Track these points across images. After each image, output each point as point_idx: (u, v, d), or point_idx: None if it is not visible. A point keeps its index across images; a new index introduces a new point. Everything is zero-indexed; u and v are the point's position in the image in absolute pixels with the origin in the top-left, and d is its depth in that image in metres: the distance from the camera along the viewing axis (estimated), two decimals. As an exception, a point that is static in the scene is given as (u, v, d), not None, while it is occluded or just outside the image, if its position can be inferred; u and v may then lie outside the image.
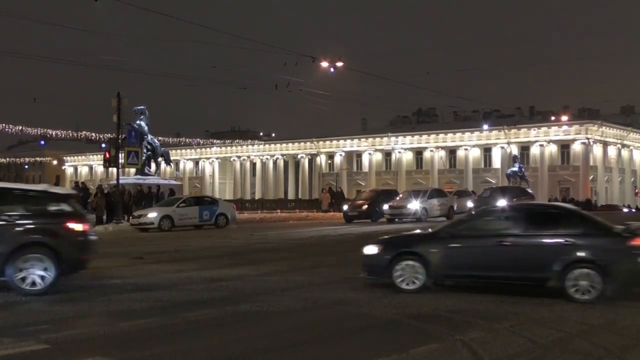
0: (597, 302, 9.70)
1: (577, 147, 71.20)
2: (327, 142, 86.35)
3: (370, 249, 11.31)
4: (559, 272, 10.07)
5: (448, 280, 10.90)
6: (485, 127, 73.04)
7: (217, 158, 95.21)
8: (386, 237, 12.42)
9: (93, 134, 58.10)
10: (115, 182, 34.06)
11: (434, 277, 10.76)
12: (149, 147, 40.69)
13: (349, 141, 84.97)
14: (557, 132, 71.73)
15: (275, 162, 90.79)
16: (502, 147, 73.96)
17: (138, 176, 39.52)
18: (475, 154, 76.92)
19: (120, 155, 31.17)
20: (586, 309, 9.08)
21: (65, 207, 11.10)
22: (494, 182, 67.79)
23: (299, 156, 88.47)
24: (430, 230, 12.06)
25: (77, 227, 10.98)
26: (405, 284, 10.73)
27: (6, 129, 47.76)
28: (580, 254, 10.18)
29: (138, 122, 39.46)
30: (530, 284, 10.50)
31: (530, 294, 10.21)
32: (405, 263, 10.81)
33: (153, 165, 42.76)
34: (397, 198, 33.67)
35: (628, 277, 10.11)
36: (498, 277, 10.63)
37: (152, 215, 27.30)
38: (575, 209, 12.17)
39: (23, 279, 10.30)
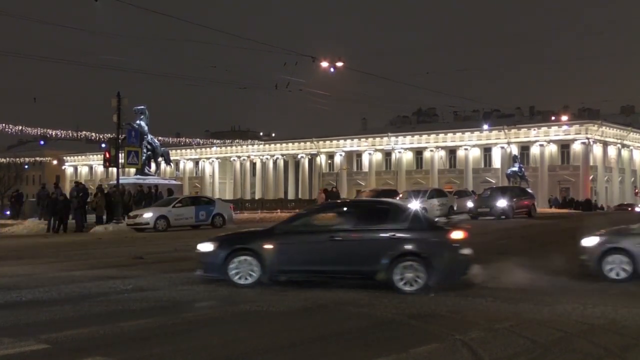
0: (420, 293, 10.25)
1: (577, 147, 71.21)
2: (327, 142, 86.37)
3: (206, 246, 11.44)
4: (386, 265, 10.57)
5: (282, 275, 11.13)
6: (485, 127, 73.04)
7: (217, 158, 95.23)
8: (222, 234, 12.59)
9: (93, 134, 58.04)
10: (115, 182, 34.05)
11: (269, 273, 11.02)
12: (149, 147, 40.64)
13: (349, 141, 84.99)
14: (557, 132, 71.75)
15: (275, 162, 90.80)
16: (502, 147, 73.98)
17: (138, 176, 39.47)
18: (475, 154, 76.93)
19: (120, 155, 31.14)
20: (586, 309, 9.07)
21: None
22: (494, 182, 67.79)
23: (299, 156, 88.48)
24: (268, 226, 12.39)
25: None
26: (240, 279, 10.99)
27: (6, 129, 47.71)
28: (406, 247, 10.74)
29: (138, 122, 39.40)
30: (360, 278, 10.96)
31: (530, 294, 10.20)
32: (240, 259, 11.03)
33: (153, 165, 42.71)
34: (397, 198, 33.64)
35: (449, 268, 10.78)
36: (330, 271, 11.02)
37: (148, 215, 27.20)
38: (402, 205, 12.84)
39: None
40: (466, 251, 10.93)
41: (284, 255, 11.06)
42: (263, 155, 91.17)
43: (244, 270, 11.02)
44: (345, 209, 12.27)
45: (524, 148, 73.54)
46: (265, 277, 10.99)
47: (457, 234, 10.98)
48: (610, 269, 12.18)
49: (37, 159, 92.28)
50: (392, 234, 10.84)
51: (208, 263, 11.33)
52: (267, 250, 11.06)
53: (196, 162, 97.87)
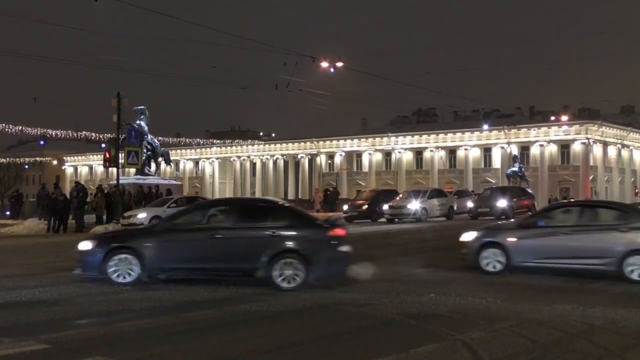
0: (300, 289, 10.45)
1: (577, 147, 71.16)
2: (327, 142, 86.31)
3: (85, 245, 11.47)
4: (266, 263, 10.73)
5: (162, 274, 11.18)
6: (485, 127, 72.97)
7: (217, 158, 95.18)
8: (101, 233, 12.63)
9: (93, 134, 58.02)
10: (115, 182, 34.04)
11: (148, 271, 11.07)
12: (149, 147, 40.64)
13: (349, 141, 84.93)
14: (557, 132, 71.69)
15: (275, 162, 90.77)
16: (502, 147, 73.92)
17: (138, 176, 39.48)
18: (475, 154, 76.88)
19: (120, 155, 31.13)
20: (586, 309, 9.07)
21: None
22: (494, 182, 67.73)
23: (299, 156, 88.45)
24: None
25: None
26: (119, 277, 11.01)
27: (6, 129, 47.66)
28: (286, 244, 10.94)
29: (138, 122, 39.40)
30: (241, 275, 11.08)
31: (530, 294, 10.20)
32: (120, 257, 11.06)
33: (153, 165, 42.72)
34: (397, 198, 33.68)
35: (328, 265, 11.00)
36: (210, 269, 11.12)
37: (142, 215, 27.07)
38: (282, 203, 13.15)
39: None
40: (345, 248, 11.17)
41: (164, 253, 11.12)
42: (263, 155, 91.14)
43: (123, 269, 11.05)
44: (226, 207, 12.47)
45: (524, 148, 73.48)
46: (145, 276, 11.05)
47: (337, 232, 11.22)
48: (487, 262, 13.08)
49: (37, 159, 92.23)
50: (272, 231, 11.05)
51: (86, 262, 11.32)
52: (147, 248, 11.10)
53: (196, 162, 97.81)
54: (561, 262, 12.64)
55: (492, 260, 13.03)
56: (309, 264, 10.77)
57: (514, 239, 13.04)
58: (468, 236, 13.72)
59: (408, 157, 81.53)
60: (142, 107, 41.00)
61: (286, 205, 12.86)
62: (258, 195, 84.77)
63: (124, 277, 11.03)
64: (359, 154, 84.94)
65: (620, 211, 13.39)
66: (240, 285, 11.12)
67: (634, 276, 12.11)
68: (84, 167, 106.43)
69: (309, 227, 11.29)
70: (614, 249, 12.29)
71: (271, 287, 10.65)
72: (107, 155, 31.79)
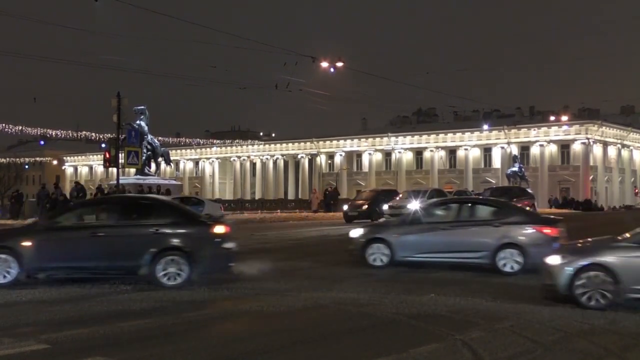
0: (184, 286, 10.52)
1: (577, 147, 71.19)
2: (327, 142, 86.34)
3: None
4: (149, 260, 10.72)
5: (42, 273, 11.13)
6: (485, 127, 72.99)
7: (217, 158, 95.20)
8: None
9: (93, 134, 58.07)
10: (115, 182, 34.04)
11: (27, 270, 10.99)
12: (149, 147, 40.66)
13: (349, 141, 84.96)
14: (557, 132, 71.71)
15: (275, 162, 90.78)
16: (502, 147, 73.95)
17: (138, 176, 39.50)
18: (475, 154, 76.91)
19: (120, 155, 31.14)
20: (586, 309, 9.06)
21: None
22: (494, 182, 67.75)
23: (299, 156, 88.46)
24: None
25: None
26: None
27: (6, 129, 47.72)
28: (169, 242, 10.94)
29: (138, 122, 39.42)
30: (122, 273, 11.04)
31: (530, 294, 10.19)
32: None
33: (153, 165, 42.74)
34: (397, 198, 33.65)
35: (212, 262, 11.08)
36: (92, 267, 11.08)
37: None
38: (166, 200, 13.21)
39: None
40: (229, 245, 11.25)
41: (43, 252, 11.01)
42: (263, 155, 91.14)
43: (0, 269, 10.90)
44: (109, 205, 12.43)
45: (524, 148, 73.51)
46: (23, 275, 10.98)
47: (220, 229, 11.28)
48: (373, 257, 13.62)
49: (37, 159, 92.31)
50: (156, 229, 11.02)
51: None
52: (25, 247, 11.00)
53: (196, 162, 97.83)
54: (441, 256, 13.29)
55: (377, 255, 13.60)
56: (192, 261, 10.81)
57: (398, 235, 13.65)
58: (355, 233, 14.32)
59: (408, 157, 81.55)
60: (142, 107, 41.02)
61: (170, 202, 12.91)
62: (258, 196, 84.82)
63: (3, 277, 10.87)
64: (359, 154, 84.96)
65: (495, 207, 14.11)
66: (240, 286, 11.12)
67: (507, 269, 12.75)
68: (84, 167, 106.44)
69: (192, 225, 11.33)
70: (487, 243, 12.95)
71: (156, 285, 10.67)
72: (107, 155, 31.80)
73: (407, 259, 13.44)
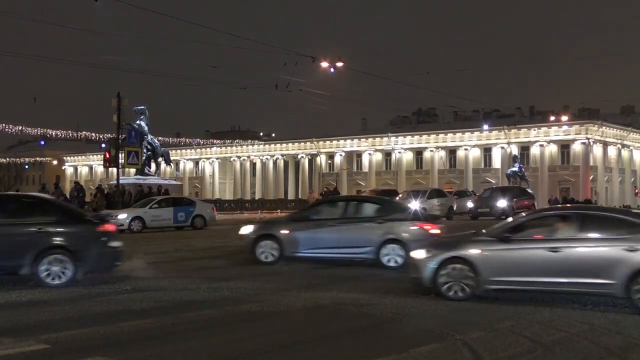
0: (68, 286, 10.49)
1: (577, 147, 71.18)
2: (327, 142, 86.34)
3: None
4: (31, 260, 10.59)
5: None
6: (485, 127, 72.97)
7: (217, 158, 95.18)
8: None
9: (93, 134, 58.09)
10: (115, 182, 34.04)
11: None
12: (149, 147, 40.67)
13: (349, 141, 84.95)
14: (557, 132, 71.70)
15: (275, 162, 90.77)
16: (502, 147, 73.94)
17: (138, 176, 39.50)
18: (475, 154, 76.90)
19: (120, 155, 31.17)
20: (586, 309, 9.06)
21: None
22: (494, 182, 67.75)
23: (299, 156, 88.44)
24: None
25: None
26: None
27: (6, 129, 47.74)
28: (53, 241, 10.81)
29: (138, 122, 39.43)
30: (4, 273, 10.90)
31: (529, 295, 10.20)
32: None
33: (153, 165, 42.74)
34: (397, 198, 33.64)
35: (97, 261, 11.03)
36: None
37: (122, 216, 26.44)
38: (49, 198, 13.04)
39: None
40: (115, 243, 11.21)
41: None
42: (263, 156, 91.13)
43: None
44: None
45: (524, 148, 73.51)
46: None
47: (106, 227, 11.25)
48: (263, 254, 14.03)
49: (37, 159, 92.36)
50: (39, 227, 10.87)
51: None
52: None
53: (196, 162, 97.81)
54: (328, 252, 13.79)
55: (267, 252, 14.03)
56: (77, 259, 10.75)
57: (287, 231, 14.09)
58: (245, 229, 14.71)
59: (408, 157, 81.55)
60: (142, 107, 41.02)
61: (55, 201, 12.80)
62: (258, 196, 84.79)
63: None
64: (359, 154, 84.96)
65: (379, 204, 14.73)
66: (240, 286, 11.11)
67: (391, 263, 13.29)
68: (84, 167, 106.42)
69: (78, 223, 11.27)
70: (372, 239, 13.46)
71: (40, 284, 10.62)
72: (107, 156, 31.83)
73: (296, 255, 13.85)
